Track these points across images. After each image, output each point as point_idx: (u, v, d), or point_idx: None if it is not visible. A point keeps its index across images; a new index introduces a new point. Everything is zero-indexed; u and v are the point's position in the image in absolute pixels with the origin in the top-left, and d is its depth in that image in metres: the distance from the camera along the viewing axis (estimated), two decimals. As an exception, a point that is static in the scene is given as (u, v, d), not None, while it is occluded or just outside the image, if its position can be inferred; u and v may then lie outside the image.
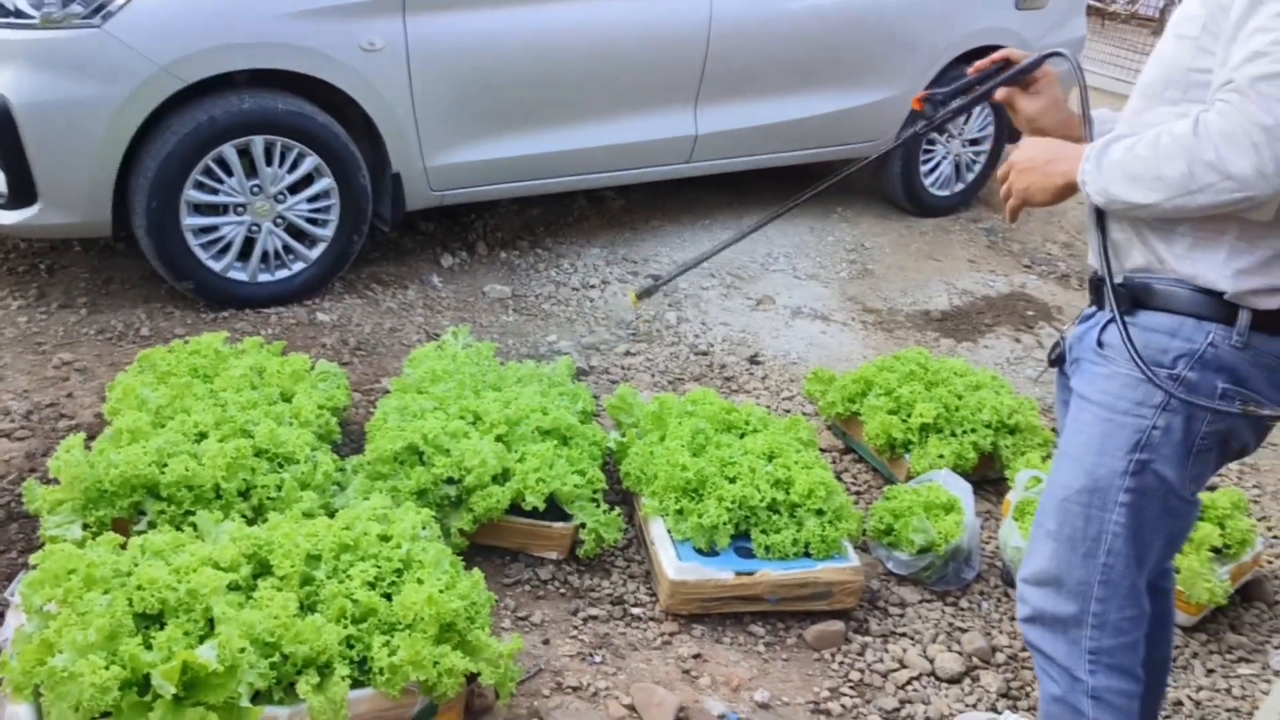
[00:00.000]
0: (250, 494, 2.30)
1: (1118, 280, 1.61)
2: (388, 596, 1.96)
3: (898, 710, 2.29)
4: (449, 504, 2.48)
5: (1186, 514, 1.67)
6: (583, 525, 2.54)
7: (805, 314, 4.17)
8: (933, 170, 5.11)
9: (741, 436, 2.85)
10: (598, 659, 2.29)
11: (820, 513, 2.56)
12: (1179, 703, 2.45)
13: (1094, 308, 1.70)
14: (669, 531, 2.53)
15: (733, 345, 3.88)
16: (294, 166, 3.44)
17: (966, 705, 2.34)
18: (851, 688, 2.34)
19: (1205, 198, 1.43)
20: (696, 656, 2.34)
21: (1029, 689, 2.43)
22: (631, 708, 2.15)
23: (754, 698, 2.25)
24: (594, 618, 2.43)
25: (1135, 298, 1.59)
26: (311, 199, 3.52)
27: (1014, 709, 2.35)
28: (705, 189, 5.10)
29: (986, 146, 5.21)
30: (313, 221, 3.57)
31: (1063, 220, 5.44)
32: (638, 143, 4.13)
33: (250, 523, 2.24)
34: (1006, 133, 5.22)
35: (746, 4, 4.11)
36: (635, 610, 2.47)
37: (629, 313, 3.97)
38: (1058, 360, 1.80)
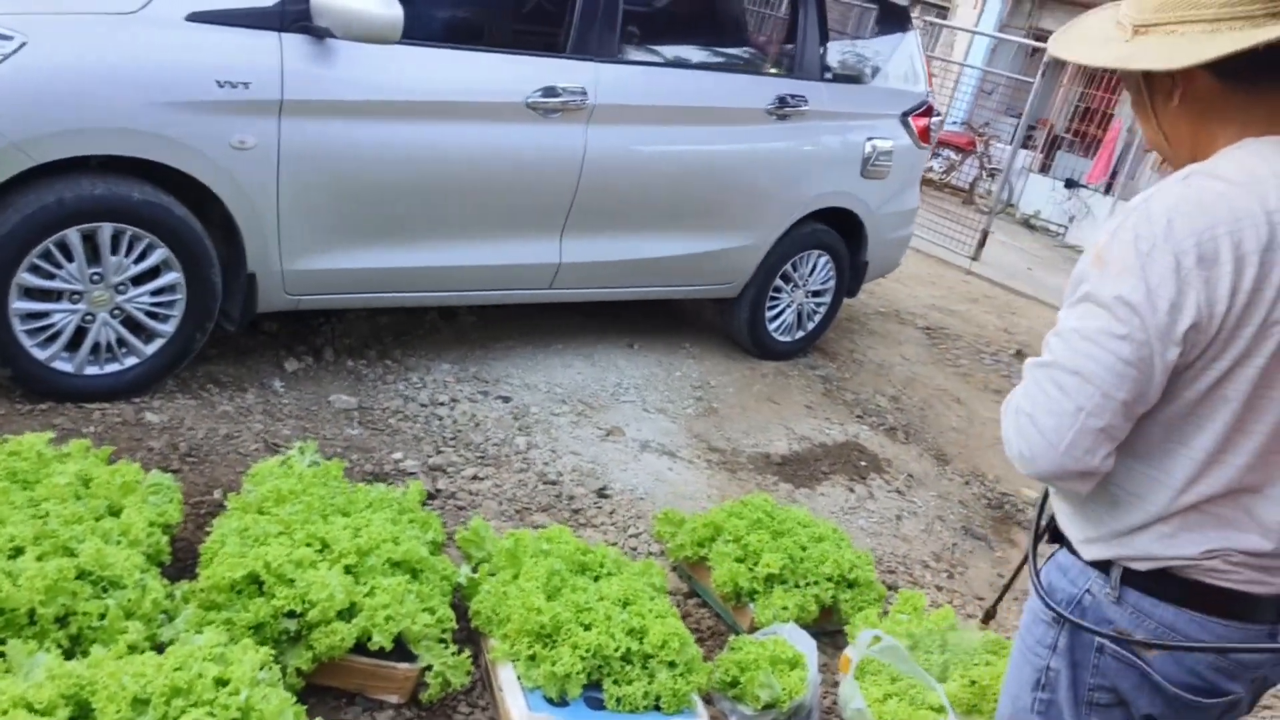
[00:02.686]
0: (69, 621, 2.09)
1: (1050, 514, 1.68)
2: (223, 750, 1.80)
3: None
4: (287, 639, 2.33)
5: None
6: (429, 667, 2.43)
7: (653, 448, 4.22)
8: (777, 316, 5.33)
9: (595, 579, 2.81)
10: (438, 818, 2.17)
11: (672, 665, 2.55)
12: None
13: None
14: (519, 678, 2.45)
15: (581, 476, 3.86)
16: (142, 257, 3.26)
17: None
18: None
19: (1017, 468, 1.51)
20: (542, 816, 2.25)
21: None
22: None
23: None
24: (436, 771, 2.30)
25: (1053, 532, 1.66)
26: (156, 292, 3.34)
27: None
28: (560, 314, 5.13)
29: (827, 298, 5.49)
30: (153, 315, 3.38)
31: (890, 375, 5.75)
32: (502, 265, 4.14)
33: (67, 655, 2.03)
34: (846, 287, 5.53)
35: (620, 144, 4.23)
36: (479, 762, 2.36)
37: (480, 433, 3.90)
38: None
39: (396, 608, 2.40)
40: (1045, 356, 1.45)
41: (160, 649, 2.14)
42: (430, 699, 2.41)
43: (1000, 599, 2.09)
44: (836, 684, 3.04)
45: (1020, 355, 6.69)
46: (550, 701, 2.42)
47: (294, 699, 1.95)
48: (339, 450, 3.56)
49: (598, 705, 2.46)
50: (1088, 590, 1.55)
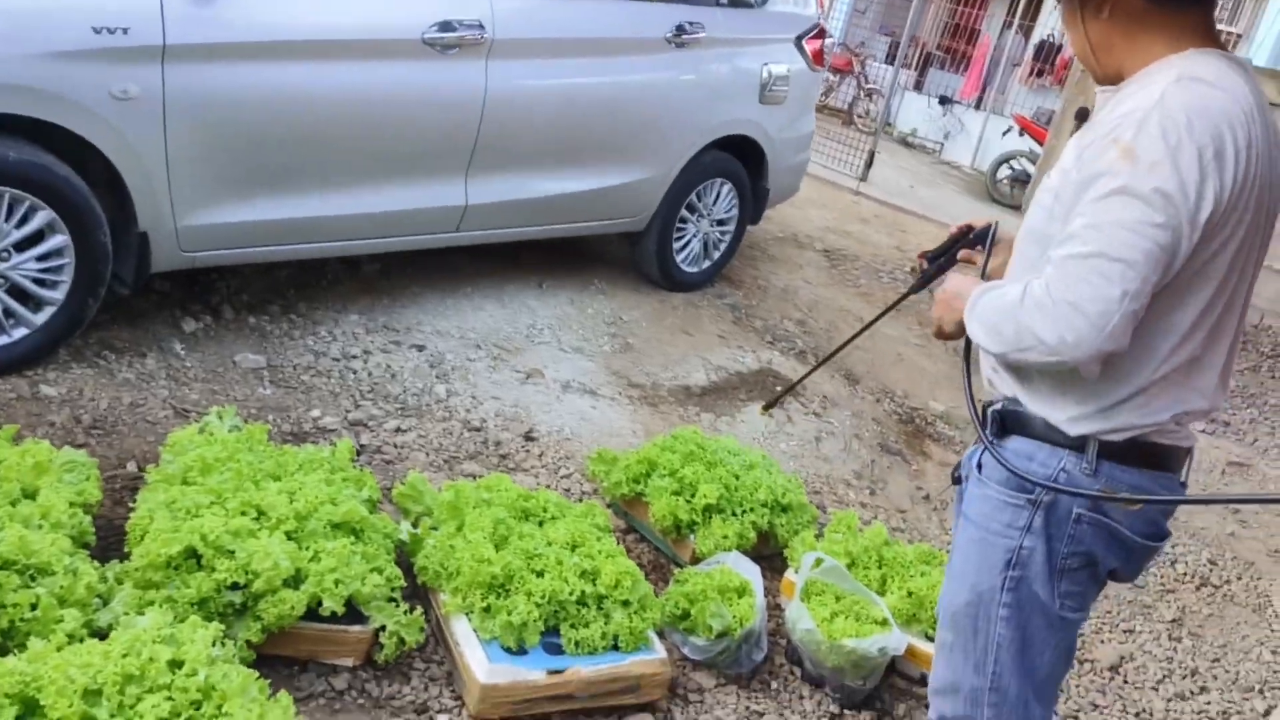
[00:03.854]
0: (-2, 615, 1.97)
1: (995, 406, 1.76)
2: (189, 735, 1.73)
3: (713, 804, 2.31)
4: (233, 612, 2.24)
5: (1068, 629, 1.79)
6: (382, 628, 2.38)
7: (574, 388, 4.18)
8: (684, 248, 5.32)
9: (540, 524, 2.79)
10: (407, 779, 2.14)
11: (626, 603, 2.55)
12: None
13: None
14: (475, 631, 2.42)
15: (506, 420, 3.81)
16: (23, 221, 3.04)
17: (774, 792, 2.39)
18: (667, 785, 2.33)
19: (1031, 356, 1.60)
20: (511, 767, 2.25)
21: (827, 770, 2.52)
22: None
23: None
24: (398, 731, 2.27)
25: (1004, 423, 1.73)
26: (42, 257, 3.12)
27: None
28: (465, 256, 5.01)
29: (731, 226, 5.50)
30: (41, 283, 3.16)
31: (795, 299, 5.82)
32: (407, 210, 4.00)
33: (2, 651, 1.91)
34: (749, 214, 5.54)
35: (522, 78, 4.11)
36: (441, 718, 2.33)
37: (398, 384, 3.80)
38: (958, 479, 1.90)
39: (344, 570, 2.34)
40: (1082, 248, 1.52)
41: (100, 635, 2.03)
42: (386, 659, 2.36)
43: (782, 396, 2.21)
44: (779, 608, 3.11)
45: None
46: (509, 651, 2.40)
47: (255, 675, 1.88)
48: (253, 412, 3.42)
49: (556, 650, 2.45)
50: (1062, 469, 1.70)
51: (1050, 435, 1.71)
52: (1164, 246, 1.50)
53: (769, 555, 3.31)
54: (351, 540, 2.46)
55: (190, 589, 2.18)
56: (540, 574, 2.52)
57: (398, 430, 3.56)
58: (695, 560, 3.11)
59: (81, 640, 1.99)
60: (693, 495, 3.17)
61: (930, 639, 2.92)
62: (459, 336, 4.34)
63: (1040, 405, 1.71)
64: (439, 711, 2.35)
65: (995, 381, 1.81)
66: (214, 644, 1.96)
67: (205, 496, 2.42)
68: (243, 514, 2.40)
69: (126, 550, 2.34)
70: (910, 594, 2.95)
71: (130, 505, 2.68)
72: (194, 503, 2.39)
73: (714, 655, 2.73)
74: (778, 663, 2.88)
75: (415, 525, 2.77)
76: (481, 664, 2.33)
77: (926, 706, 2.82)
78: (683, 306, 5.28)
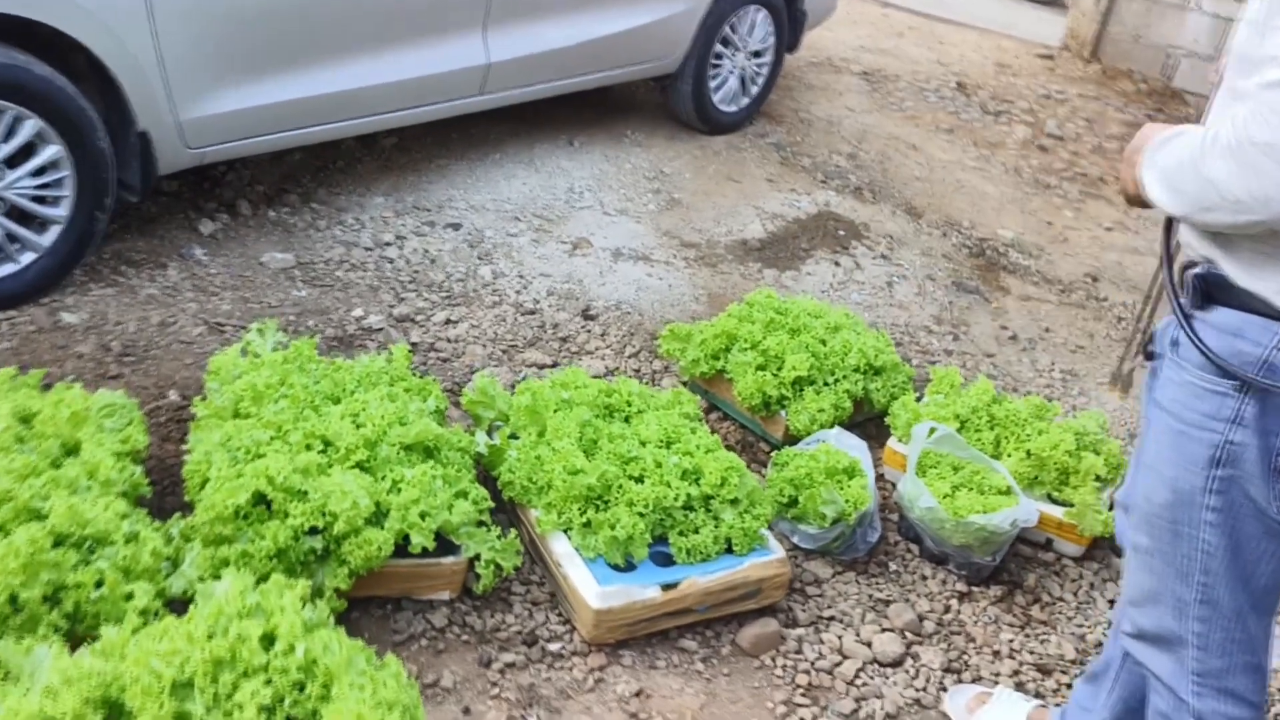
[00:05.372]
0: (60, 598, 1.76)
1: (1196, 269, 1.44)
2: (298, 723, 1.53)
3: (855, 712, 2.13)
4: (315, 559, 2.03)
5: None
6: (476, 556, 2.17)
7: (626, 255, 3.87)
8: (720, 86, 4.89)
9: (626, 420, 2.55)
10: (532, 720, 1.97)
11: (735, 501, 2.33)
12: (1100, 644, 2.46)
13: None
14: (577, 550, 2.21)
15: (560, 299, 3.53)
16: (10, 134, 2.70)
17: (916, 690, 2.22)
18: (803, 694, 2.15)
19: (1218, 216, 1.31)
20: (638, 694, 2.07)
21: (966, 658, 2.34)
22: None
23: (713, 732, 2.02)
24: (510, 665, 2.09)
25: (1208, 291, 1.42)
26: (37, 172, 2.79)
27: (960, 681, 2.26)
28: (485, 121, 4.61)
29: (768, 57, 5.05)
30: (40, 200, 2.84)
31: (841, 130, 5.40)
32: (426, 76, 3.61)
33: (73, 642, 1.71)
34: (785, 42, 5.09)
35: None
36: (553, 646, 2.15)
37: (440, 270, 3.51)
38: (1151, 355, 1.60)
39: (429, 500, 2.12)
40: None
41: (177, 607, 1.83)
42: (485, 589, 2.16)
43: (1128, 362, 1.87)
44: (883, 479, 2.89)
45: (962, 88, 6.38)
46: (616, 568, 2.19)
47: (360, 645, 1.67)
48: (291, 319, 3.15)
49: (666, 561, 2.24)
50: (1276, 347, 1.37)
51: (1261, 305, 1.39)
52: None
53: (862, 422, 3.07)
54: (430, 464, 2.22)
55: (265, 540, 1.96)
56: (639, 479, 2.29)
57: (448, 322, 3.29)
58: (790, 437, 2.88)
59: (158, 615, 1.79)
60: (779, 368, 2.91)
61: (1055, 502, 2.70)
62: (495, 210, 4.01)
63: (1247, 279, 1.40)
64: (549, 640, 2.16)
65: (1192, 241, 1.49)
66: (304, 605, 1.74)
67: (264, 431, 2.17)
68: (308, 448, 2.16)
69: (187, 499, 2.11)
70: (1029, 454, 2.71)
71: (180, 443, 2.46)
72: (253, 440, 2.14)
73: (828, 542, 2.53)
74: (892, 540, 2.68)
75: (490, 434, 2.53)
76: (591, 587, 2.12)
77: (1056, 574, 2.64)
78: (725, 151, 4.89)
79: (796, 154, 5.03)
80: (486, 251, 3.73)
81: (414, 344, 3.14)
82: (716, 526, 2.28)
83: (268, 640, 1.63)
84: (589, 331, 3.39)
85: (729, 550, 2.29)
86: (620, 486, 2.26)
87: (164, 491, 2.34)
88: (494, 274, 3.60)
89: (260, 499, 2.03)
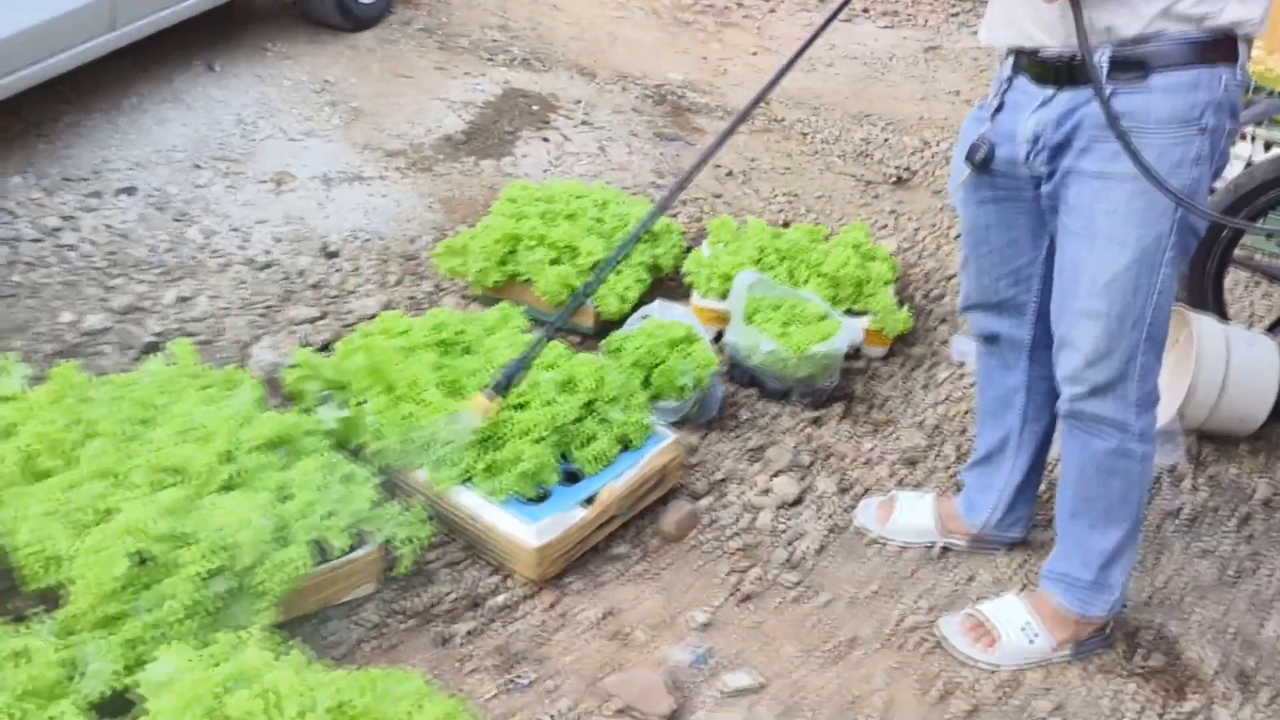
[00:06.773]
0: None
1: (1109, 54, 1.57)
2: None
3: (791, 556, 2.22)
4: (230, 603, 1.75)
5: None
6: (388, 540, 1.97)
7: (337, 180, 3.54)
8: (353, -24, 4.49)
9: (465, 352, 2.38)
10: (526, 680, 1.86)
11: (615, 399, 2.28)
12: (937, 426, 2.71)
13: (1050, 89, 1.63)
14: (486, 497, 2.07)
15: (292, 244, 3.18)
16: None
17: (827, 518, 2.34)
18: (742, 556, 2.21)
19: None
20: (605, 616, 2.02)
21: (849, 474, 2.50)
22: (622, 711, 1.81)
23: (691, 624, 2.02)
24: (470, 634, 1.95)
25: (1144, 63, 1.54)
26: None
27: (854, 497, 2.42)
28: (90, 66, 3.90)
29: (392, -63, 4.69)
30: None
31: (485, 3, 5.19)
32: (44, 23, 2.99)
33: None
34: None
35: None
36: (498, 600, 2.03)
37: (139, 244, 3.01)
38: (984, 162, 1.71)
39: (325, 497, 1.88)
40: None
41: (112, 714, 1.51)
42: (407, 569, 1.98)
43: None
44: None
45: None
46: (531, 501, 2.09)
47: (385, 671, 1.47)
48: (-9, 343, 2.59)
49: (573, 478, 2.17)
50: (1224, 86, 1.61)
51: (1206, 55, 1.56)
52: None
53: (651, 287, 3.08)
54: (302, 459, 1.96)
55: (173, 600, 1.65)
56: (520, 407, 2.17)
57: (181, 300, 2.86)
58: (601, 323, 2.84)
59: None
60: (574, 257, 2.84)
61: (855, 313, 2.89)
62: (165, 162, 3.49)
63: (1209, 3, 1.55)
64: (492, 594, 2.04)
65: (1118, 23, 1.55)
66: (275, 655, 1.51)
67: (97, 482, 1.80)
68: (160, 484, 1.83)
69: (32, 589, 1.72)
70: (823, 276, 2.88)
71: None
72: (90, 495, 1.77)
73: (687, 411, 2.56)
74: (730, 391, 2.76)
75: (323, 405, 2.27)
76: (523, 527, 2.01)
77: (874, 378, 2.87)
78: (378, 47, 4.54)
79: (451, 36, 4.77)
80: (181, 211, 3.26)
81: (158, 334, 2.71)
82: (609, 429, 2.23)
83: (276, 710, 1.41)
84: (339, 270, 3.09)
85: (625, 449, 2.25)
86: (507, 421, 2.13)
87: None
88: (204, 233, 3.16)
89: (138, 558, 1.70)
